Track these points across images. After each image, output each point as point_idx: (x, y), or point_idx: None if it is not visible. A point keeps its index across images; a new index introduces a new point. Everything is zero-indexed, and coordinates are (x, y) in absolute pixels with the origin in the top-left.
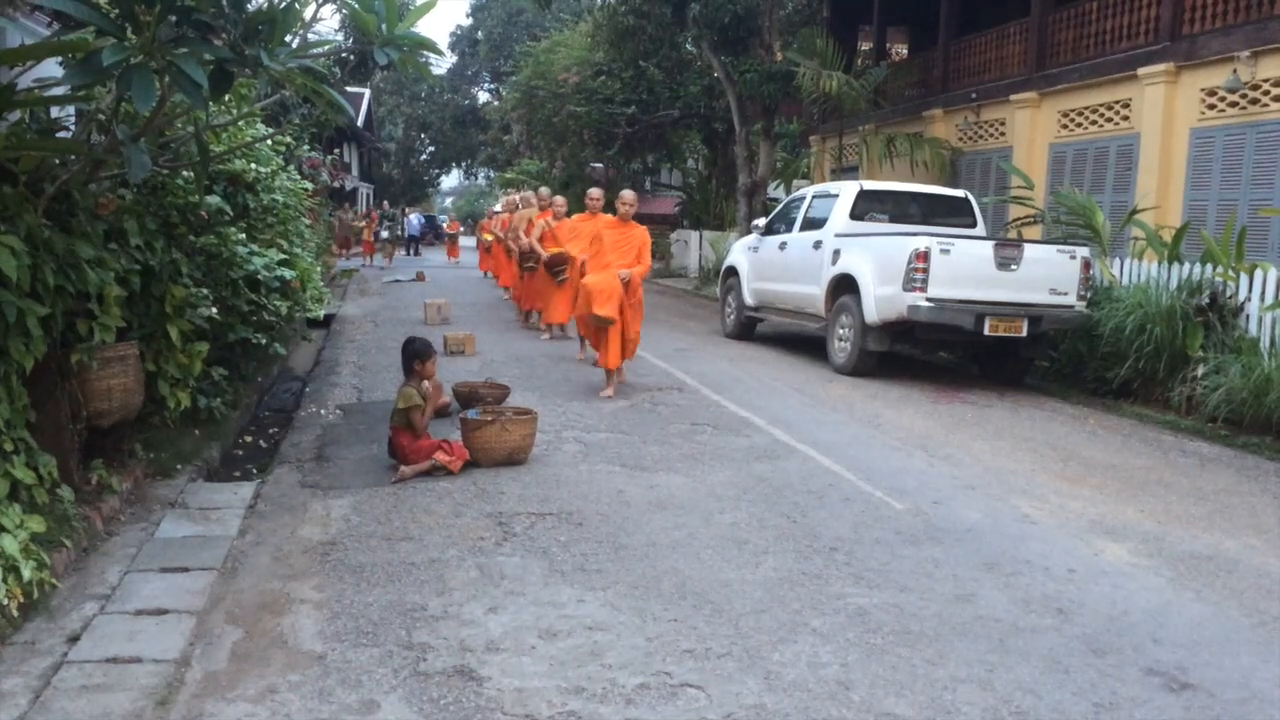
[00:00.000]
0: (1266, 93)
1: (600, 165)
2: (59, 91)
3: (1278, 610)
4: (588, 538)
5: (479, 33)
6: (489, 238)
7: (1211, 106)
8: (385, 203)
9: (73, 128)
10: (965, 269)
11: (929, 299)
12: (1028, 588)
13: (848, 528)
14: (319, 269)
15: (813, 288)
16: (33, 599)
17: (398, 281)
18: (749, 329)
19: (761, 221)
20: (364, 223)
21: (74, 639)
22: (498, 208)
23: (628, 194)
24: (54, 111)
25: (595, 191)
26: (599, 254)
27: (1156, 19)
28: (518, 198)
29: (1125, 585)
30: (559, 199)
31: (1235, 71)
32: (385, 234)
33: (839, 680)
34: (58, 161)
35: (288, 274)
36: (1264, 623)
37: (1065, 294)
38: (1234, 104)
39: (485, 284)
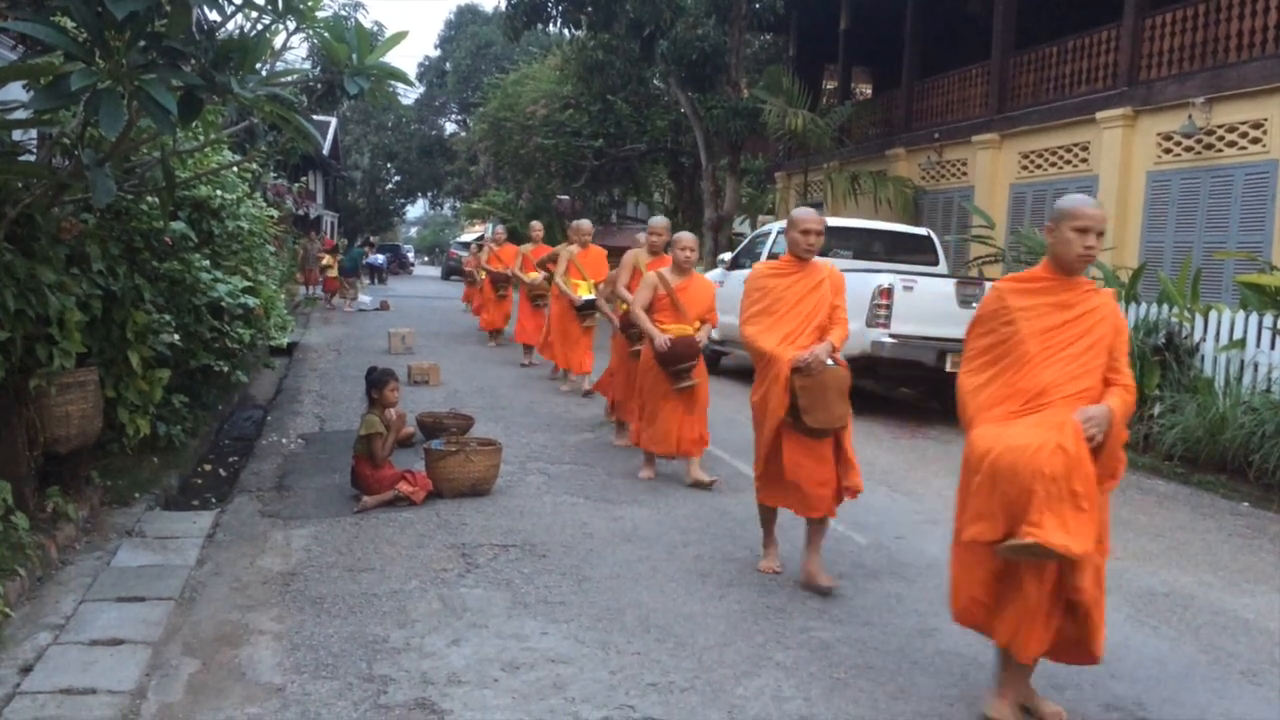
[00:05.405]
0: (1221, 138)
1: (566, 197)
2: (22, 115)
3: (1233, 646)
4: (551, 569)
5: (447, 64)
6: (481, 274)
7: (1168, 150)
8: (326, 234)
9: (35, 150)
10: (928, 306)
11: (892, 335)
12: None
13: None
14: (283, 296)
15: None
16: None
17: (362, 310)
18: (713, 363)
19: (727, 256)
20: (328, 258)
21: (27, 669)
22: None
23: (1090, 208)
24: (15, 134)
25: (811, 216)
26: (1017, 369)
27: (1115, 64)
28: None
29: None
30: (687, 235)
31: (1191, 117)
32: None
33: (802, 715)
34: (20, 185)
35: (251, 301)
36: (1219, 659)
37: None
38: (1189, 148)
39: (451, 313)
